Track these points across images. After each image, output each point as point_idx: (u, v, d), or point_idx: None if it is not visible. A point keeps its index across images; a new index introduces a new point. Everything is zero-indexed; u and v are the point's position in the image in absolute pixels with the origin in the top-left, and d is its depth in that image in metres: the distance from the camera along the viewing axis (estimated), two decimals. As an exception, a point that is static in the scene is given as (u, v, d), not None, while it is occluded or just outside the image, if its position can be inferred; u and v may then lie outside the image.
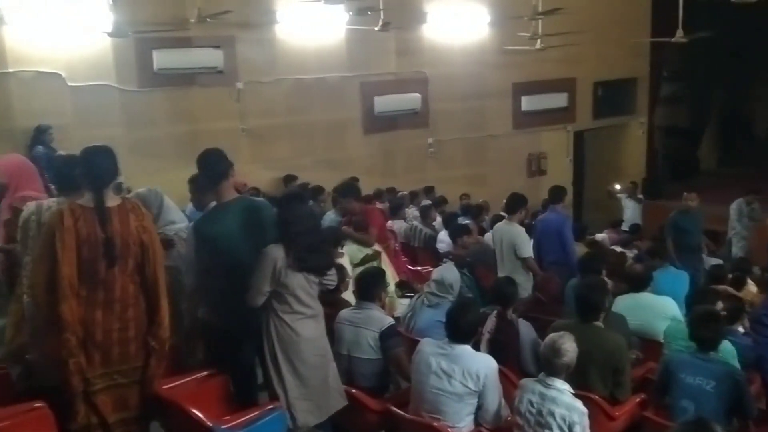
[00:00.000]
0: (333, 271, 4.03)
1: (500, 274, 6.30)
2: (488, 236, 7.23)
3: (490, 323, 4.54)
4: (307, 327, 3.79)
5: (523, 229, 6.61)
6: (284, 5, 10.23)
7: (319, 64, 10.75)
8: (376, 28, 9.56)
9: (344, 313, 4.39)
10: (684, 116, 15.81)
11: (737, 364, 4.34)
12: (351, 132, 11.34)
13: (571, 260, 6.46)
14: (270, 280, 3.68)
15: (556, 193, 7.19)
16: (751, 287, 6.71)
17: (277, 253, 3.69)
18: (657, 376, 4.15)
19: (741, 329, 4.92)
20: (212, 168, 3.99)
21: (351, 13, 9.96)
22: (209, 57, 9.84)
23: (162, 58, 9.47)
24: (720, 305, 4.71)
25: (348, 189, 6.49)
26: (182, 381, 3.87)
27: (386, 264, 5.98)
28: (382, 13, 9.34)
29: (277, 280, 3.69)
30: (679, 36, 9.47)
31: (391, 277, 5.78)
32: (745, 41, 14.98)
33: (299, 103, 10.73)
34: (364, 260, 5.73)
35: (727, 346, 4.33)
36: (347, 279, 5.02)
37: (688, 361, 3.90)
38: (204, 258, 3.88)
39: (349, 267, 5.38)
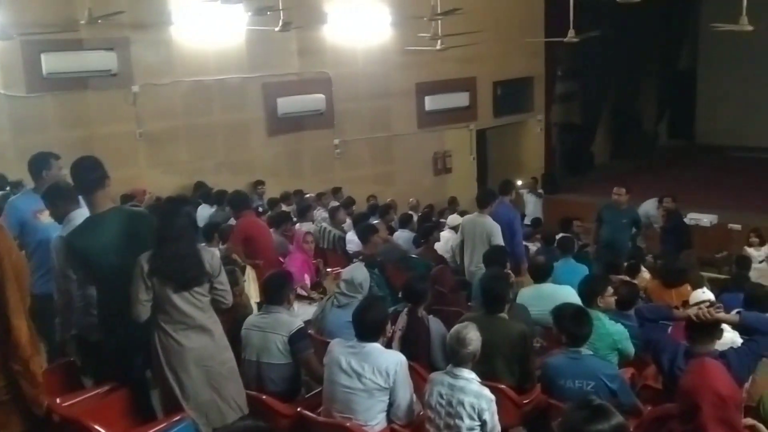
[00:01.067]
0: (225, 287, 3.83)
1: (470, 264, 6.77)
2: (460, 227, 7.45)
3: (402, 321, 4.56)
4: (190, 337, 3.65)
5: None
6: (180, 5, 9.97)
7: (219, 65, 10.54)
8: (277, 29, 9.44)
9: (251, 318, 4.31)
10: (578, 113, 16.49)
11: (631, 346, 4.55)
12: (254, 134, 11.17)
13: (518, 251, 6.86)
14: (144, 289, 3.57)
15: (505, 186, 7.61)
16: (645, 274, 7.06)
17: (144, 261, 3.59)
18: (540, 379, 4.19)
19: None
20: (86, 176, 3.75)
21: (250, 14, 9.80)
22: (102, 59, 9.47)
23: (51, 62, 9.05)
24: (610, 291, 4.90)
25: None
26: (82, 397, 3.73)
27: (251, 279, 5.68)
28: (282, 13, 9.23)
29: (152, 288, 3.58)
30: (571, 36, 9.86)
31: (254, 295, 5.50)
32: (632, 39, 15.80)
33: (199, 105, 10.48)
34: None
35: (618, 328, 4.52)
36: (241, 283, 4.96)
37: (562, 366, 3.96)
38: (79, 272, 3.72)
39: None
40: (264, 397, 3.92)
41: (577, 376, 3.89)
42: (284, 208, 9.36)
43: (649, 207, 10.28)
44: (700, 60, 18.46)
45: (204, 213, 8.60)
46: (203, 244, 5.78)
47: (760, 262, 9.07)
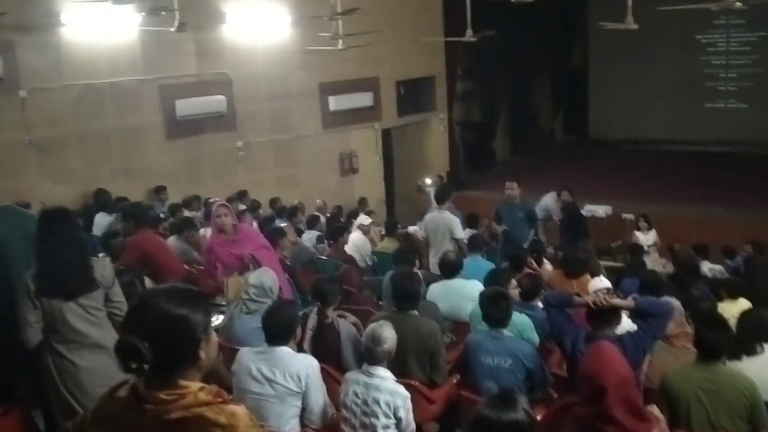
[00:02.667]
0: (121, 299, 3.64)
1: (434, 257, 7.05)
2: (422, 223, 7.86)
3: (312, 321, 4.53)
4: (85, 357, 3.49)
5: (454, 215, 7.57)
6: (68, 7, 9.45)
7: (111, 68, 10.08)
8: (172, 29, 9.14)
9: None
10: (479, 111, 16.87)
11: (535, 335, 4.70)
12: (151, 138, 10.75)
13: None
14: (32, 309, 3.39)
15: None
16: (547, 266, 7.30)
17: (29, 280, 3.42)
18: (461, 357, 4.36)
19: (540, 304, 5.32)
20: None
21: (143, 14, 9.44)
22: (-15, 64, 8.86)
23: (-74, 66, 8.39)
24: (514, 284, 5.04)
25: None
26: None
27: None
28: (177, 13, 8.92)
29: (40, 308, 3.40)
30: (469, 35, 10.07)
31: None
32: (526, 38, 16.35)
33: (91, 110, 9.99)
34: None
35: (523, 319, 4.66)
36: None
37: (483, 343, 4.13)
38: None
39: None
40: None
41: (496, 353, 4.04)
42: (186, 213, 9.09)
43: (548, 200, 10.67)
44: (591, 57, 19.29)
45: (102, 221, 8.23)
46: (102, 255, 5.53)
47: (649, 246, 9.59)
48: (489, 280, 4.98)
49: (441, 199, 7.69)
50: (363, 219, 9.27)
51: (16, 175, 9.25)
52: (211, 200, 9.94)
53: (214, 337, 1.82)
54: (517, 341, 4.16)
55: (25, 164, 9.43)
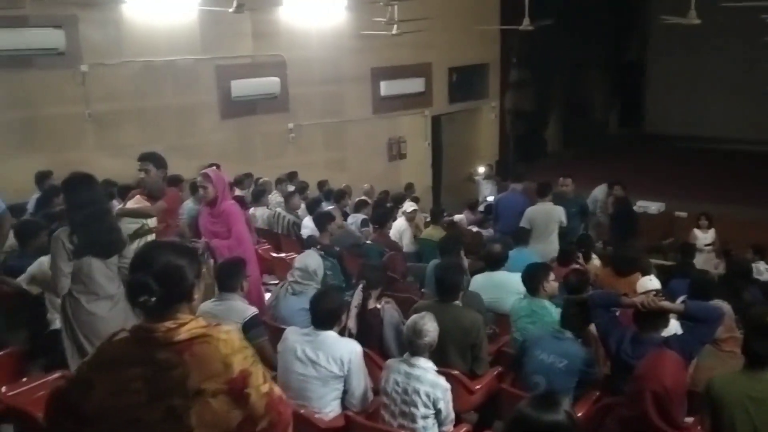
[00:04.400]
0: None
1: (536, 247, 7.41)
2: (526, 215, 8.17)
3: (357, 298, 4.57)
4: (101, 307, 3.98)
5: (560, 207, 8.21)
6: (130, -17, 9.68)
7: (170, 47, 10.27)
8: (231, 10, 9.25)
9: (205, 305, 4.25)
10: (531, 100, 16.67)
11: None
12: (207, 117, 10.94)
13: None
14: (66, 261, 3.87)
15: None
16: (596, 261, 7.20)
17: (63, 235, 3.90)
18: (515, 352, 4.34)
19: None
20: None
21: (203, -6, 9.59)
22: (48, 37, 9.09)
23: (-7, 39, 8.67)
24: (552, 277, 4.95)
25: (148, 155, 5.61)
26: (29, 386, 3.71)
27: None
28: (236, -7, 9.04)
29: (71, 260, 3.88)
30: (526, 24, 9.96)
31: None
32: (584, 29, 16.04)
33: (149, 87, 10.20)
34: (137, 233, 5.14)
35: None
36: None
37: (546, 339, 4.10)
38: None
39: None
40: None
41: (554, 352, 4.00)
42: (237, 192, 9.25)
43: (598, 192, 10.49)
44: (650, 50, 18.86)
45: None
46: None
47: (706, 245, 9.36)
48: (527, 273, 4.93)
49: (542, 193, 8.35)
50: (408, 205, 9.29)
51: (76, 148, 9.55)
52: (260, 180, 10.12)
53: (203, 287, 2.15)
54: (577, 345, 4.08)
55: (84, 137, 9.72)
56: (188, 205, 7.47)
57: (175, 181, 7.50)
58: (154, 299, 1.97)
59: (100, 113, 9.75)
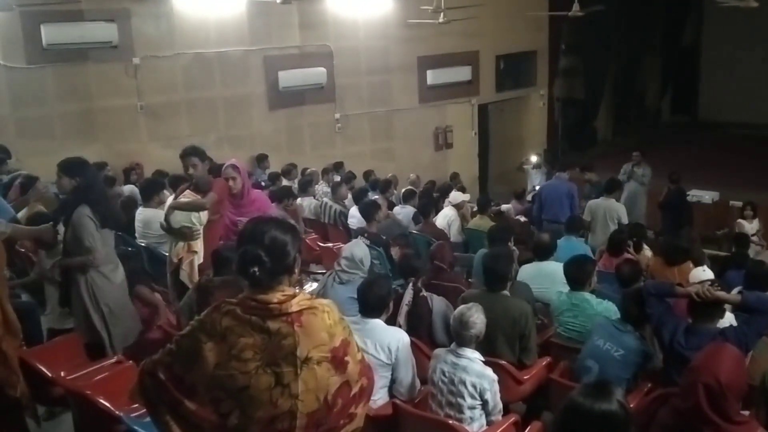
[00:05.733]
0: None
1: (594, 241, 7.83)
2: (587, 208, 8.56)
3: (408, 296, 4.57)
4: (118, 275, 4.45)
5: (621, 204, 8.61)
6: (179, -23, 9.85)
7: (220, 38, 10.44)
8: (278, 1, 9.35)
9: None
10: (581, 88, 16.35)
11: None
12: (255, 108, 11.09)
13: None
14: (98, 236, 4.26)
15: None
16: (647, 251, 7.06)
17: (90, 213, 4.23)
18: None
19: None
20: None
21: (251, -15, 9.69)
22: (102, 31, 9.36)
23: (51, 33, 8.96)
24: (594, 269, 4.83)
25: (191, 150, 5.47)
26: (87, 370, 3.83)
27: (200, 244, 5.37)
28: (283, -15, 9.12)
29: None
30: (575, 10, 9.78)
31: (200, 255, 5.29)
32: (635, 14, 15.65)
33: (199, 79, 10.40)
34: (181, 233, 5.24)
35: (607, 306, 4.48)
36: None
37: (606, 328, 4.04)
38: None
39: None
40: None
41: (612, 340, 3.94)
42: (285, 182, 9.35)
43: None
44: (704, 36, 18.28)
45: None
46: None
47: (752, 235, 9.12)
48: (574, 265, 4.77)
49: (609, 189, 8.62)
50: (457, 195, 9.24)
51: (129, 140, 9.80)
52: (308, 170, 10.21)
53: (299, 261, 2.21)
54: (638, 340, 3.98)
55: (137, 129, 9.97)
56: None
57: (216, 170, 7.58)
58: (263, 271, 2.07)
59: (152, 105, 9.98)
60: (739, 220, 9.53)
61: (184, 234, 5.21)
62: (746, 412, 3.26)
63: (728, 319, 4.08)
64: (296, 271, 2.18)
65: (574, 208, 8.55)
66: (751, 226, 9.33)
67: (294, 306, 2.08)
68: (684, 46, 18.55)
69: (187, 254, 5.22)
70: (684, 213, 9.55)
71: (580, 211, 8.70)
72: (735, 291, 4.07)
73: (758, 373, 3.70)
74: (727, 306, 3.92)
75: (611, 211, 8.31)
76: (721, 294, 3.71)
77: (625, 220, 8.24)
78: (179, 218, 5.21)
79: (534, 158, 13.42)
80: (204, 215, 5.28)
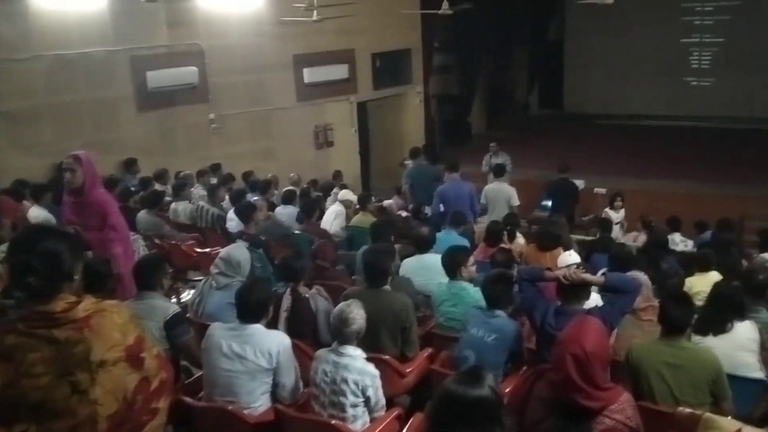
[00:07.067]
0: None
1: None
2: (483, 193, 9.21)
3: (286, 302, 4.50)
4: None
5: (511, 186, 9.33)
6: (34, -27, 9.22)
7: (82, 38, 9.86)
8: (143, -1, 8.97)
9: (125, 305, 4.10)
10: (455, 84, 16.82)
11: None
12: (123, 110, 10.57)
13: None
14: None
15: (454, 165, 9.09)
16: (520, 239, 7.35)
17: None
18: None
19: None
20: None
21: (113, -18, 9.23)
22: (-51, 32, 8.61)
23: None
24: (471, 261, 5.00)
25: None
26: None
27: None
28: (147, -19, 8.75)
29: None
30: (445, 8, 10.01)
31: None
32: (503, 11, 16.26)
33: (62, 81, 9.78)
34: None
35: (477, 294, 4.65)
36: None
37: (478, 318, 4.16)
38: None
39: None
40: (141, 386, 3.76)
41: (484, 327, 4.07)
42: (157, 186, 8.98)
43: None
44: (568, 31, 19.25)
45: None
46: None
47: (616, 223, 9.76)
48: (446, 257, 4.95)
49: (498, 173, 9.60)
50: (346, 192, 9.23)
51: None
52: (182, 173, 9.87)
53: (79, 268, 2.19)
54: (508, 322, 4.15)
55: (-6, 136, 9.26)
56: (146, 217, 7.14)
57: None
58: (37, 280, 2.03)
59: (12, 110, 9.31)
60: (607, 209, 10.13)
61: None
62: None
63: (594, 300, 4.30)
64: (76, 278, 2.15)
65: (474, 206, 8.74)
66: (617, 216, 9.96)
67: (80, 312, 2.07)
68: (549, 41, 19.47)
69: None
70: (570, 200, 10.23)
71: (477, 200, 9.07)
72: (600, 273, 4.29)
73: (623, 349, 3.94)
74: (593, 287, 4.12)
75: (504, 194, 9.05)
76: (587, 276, 3.89)
77: (515, 202, 8.96)
78: None
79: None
80: None
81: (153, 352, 2.24)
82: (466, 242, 6.79)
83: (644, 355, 3.61)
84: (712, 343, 3.97)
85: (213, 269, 4.82)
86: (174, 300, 5.63)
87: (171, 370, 2.38)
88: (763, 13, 16.00)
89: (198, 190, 9.22)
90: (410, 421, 3.64)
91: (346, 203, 8.67)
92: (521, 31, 18.36)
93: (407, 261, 5.79)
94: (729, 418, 3.16)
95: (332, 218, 8.38)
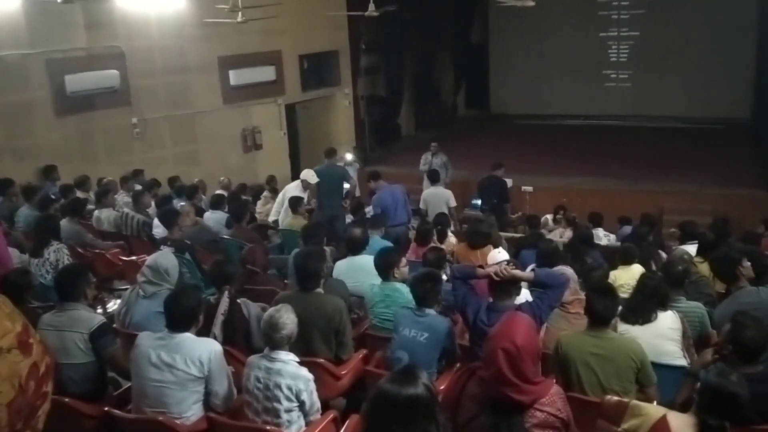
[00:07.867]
0: None
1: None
2: (421, 198, 9.60)
3: (224, 305, 4.40)
4: None
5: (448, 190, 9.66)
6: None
7: (-6, 41, 9.42)
8: (59, 0, 8.61)
9: (46, 317, 3.95)
10: (383, 86, 16.91)
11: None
12: (39, 115, 10.13)
13: None
14: None
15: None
16: (451, 239, 7.44)
17: None
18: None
19: (444, 276, 5.41)
20: None
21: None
22: None
23: None
24: (404, 262, 5.04)
25: None
26: None
27: None
28: (62, -18, 8.41)
29: None
30: (371, 10, 10.04)
31: None
32: (428, 13, 16.44)
33: (-29, 86, 9.32)
34: None
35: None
36: None
37: (408, 318, 4.17)
38: None
39: None
40: (66, 399, 3.62)
41: (416, 326, 4.08)
42: (79, 194, 8.65)
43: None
44: (491, 33, 19.65)
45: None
46: None
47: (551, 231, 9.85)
48: (378, 258, 4.97)
49: (434, 179, 9.90)
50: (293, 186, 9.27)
51: None
52: (104, 180, 9.53)
53: None
54: (438, 319, 4.18)
55: None
56: (24, 211, 6.91)
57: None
58: None
59: None
60: (548, 218, 10.10)
61: None
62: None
63: (525, 295, 4.39)
64: None
65: (408, 209, 9.09)
66: (558, 231, 9.80)
67: None
68: (474, 42, 19.81)
69: None
70: (501, 197, 10.45)
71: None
72: (529, 269, 4.38)
73: (552, 342, 4.03)
74: (523, 283, 4.20)
75: (441, 198, 9.32)
76: (517, 272, 3.96)
77: (452, 203, 9.22)
78: None
79: (349, 156, 13.61)
80: None
81: (37, 338, 2.30)
82: (389, 244, 6.81)
83: (572, 346, 3.71)
84: (638, 332, 4.11)
85: (140, 277, 4.67)
86: (99, 310, 5.44)
87: (54, 354, 2.46)
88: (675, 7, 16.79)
89: (122, 197, 8.94)
90: (346, 423, 3.63)
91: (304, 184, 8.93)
92: (446, 32, 18.63)
93: (340, 263, 5.77)
94: (654, 403, 3.28)
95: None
